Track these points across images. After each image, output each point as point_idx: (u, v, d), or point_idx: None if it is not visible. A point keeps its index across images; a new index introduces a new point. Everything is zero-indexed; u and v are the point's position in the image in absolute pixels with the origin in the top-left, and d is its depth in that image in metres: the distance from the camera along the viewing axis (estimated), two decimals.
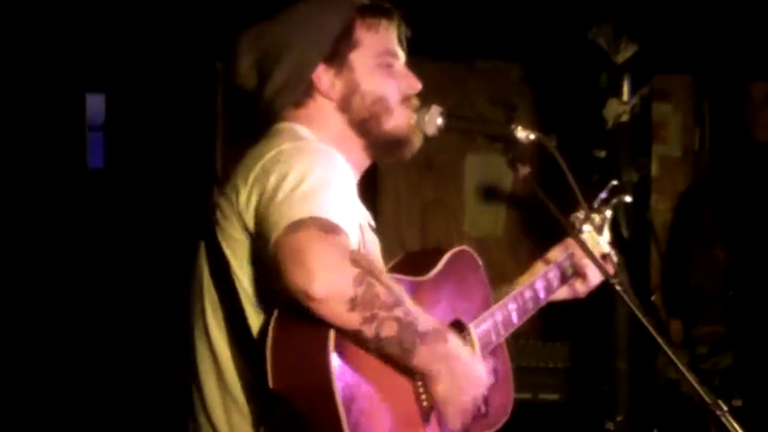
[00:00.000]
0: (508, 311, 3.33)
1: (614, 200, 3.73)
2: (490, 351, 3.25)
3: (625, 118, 5.44)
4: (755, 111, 5.94)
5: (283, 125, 3.10)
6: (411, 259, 3.24)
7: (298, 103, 3.10)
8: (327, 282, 2.60)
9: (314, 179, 2.77)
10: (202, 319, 3.01)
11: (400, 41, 3.20)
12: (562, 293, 3.61)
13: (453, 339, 2.87)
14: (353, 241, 2.78)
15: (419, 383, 2.94)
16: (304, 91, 3.10)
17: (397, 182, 6.11)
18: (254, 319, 2.90)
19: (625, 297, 3.16)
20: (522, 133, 3.19)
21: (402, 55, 3.20)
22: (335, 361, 2.72)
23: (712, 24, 6.08)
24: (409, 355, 2.75)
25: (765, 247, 5.81)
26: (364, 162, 3.19)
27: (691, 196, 6.20)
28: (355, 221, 2.92)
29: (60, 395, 6.19)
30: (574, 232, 3.39)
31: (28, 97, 6.27)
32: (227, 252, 2.93)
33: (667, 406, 5.58)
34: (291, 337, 2.76)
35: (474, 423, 3.16)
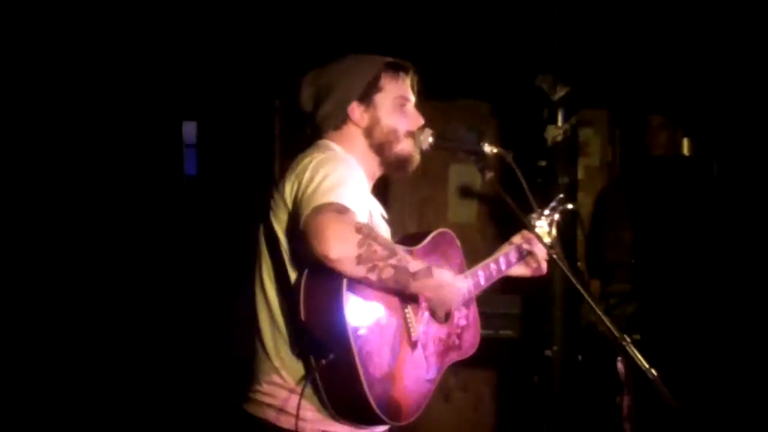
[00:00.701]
0: (478, 277, 3.35)
1: (561, 207, 3.72)
2: (464, 303, 3.26)
3: (559, 138, 5.43)
4: (651, 135, 5.96)
5: (323, 141, 3.18)
6: (407, 237, 3.28)
7: (337, 127, 3.17)
8: (339, 247, 2.71)
9: (334, 178, 2.86)
10: (260, 276, 3.08)
11: (413, 89, 3.26)
12: (520, 269, 3.59)
13: (437, 271, 2.97)
14: (361, 218, 2.86)
15: (409, 320, 3.03)
16: (342, 119, 3.16)
17: (401, 185, 6.13)
18: (293, 274, 2.95)
19: (560, 264, 3.19)
20: (488, 149, 3.24)
21: (413, 99, 3.26)
22: (346, 303, 2.80)
23: (622, 74, 6.08)
24: (405, 289, 2.87)
25: (657, 229, 5.82)
26: (377, 173, 3.24)
27: (606, 194, 6.20)
28: (365, 208, 2.98)
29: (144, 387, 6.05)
30: (526, 219, 3.39)
31: (141, 124, 6.27)
32: (276, 227, 3.00)
33: (588, 340, 5.58)
34: (316, 286, 2.85)
35: (450, 352, 3.20)
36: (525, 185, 3.24)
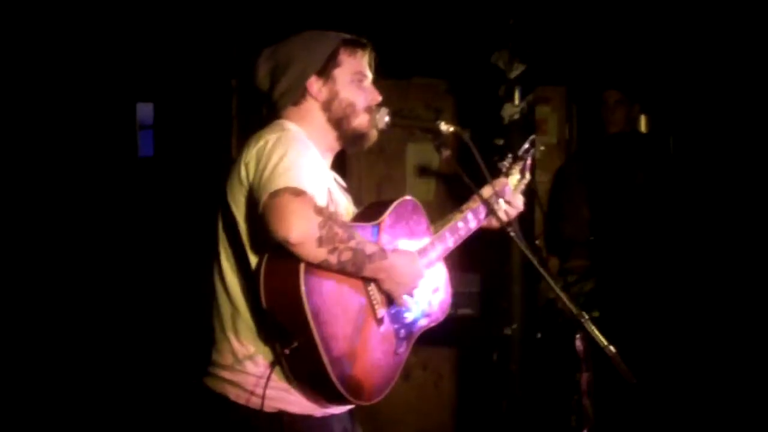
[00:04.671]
0: (445, 239, 3.34)
1: (533, 150, 3.74)
2: (432, 267, 3.27)
3: (516, 116, 5.42)
4: (608, 112, 5.97)
5: (278, 121, 3.14)
6: (369, 207, 3.26)
7: (296, 102, 3.15)
8: (300, 229, 2.69)
9: (287, 161, 2.83)
10: (217, 260, 3.06)
11: (370, 65, 3.24)
12: (489, 222, 3.54)
13: (391, 255, 2.95)
14: (319, 199, 2.85)
15: (372, 296, 3.02)
16: (301, 94, 3.14)
17: (359, 164, 6.12)
18: (253, 258, 2.93)
19: (518, 241, 3.19)
20: (445, 127, 3.24)
21: (370, 75, 3.24)
22: (305, 287, 2.77)
23: (578, 51, 6.09)
24: (361, 271, 2.85)
25: (615, 206, 5.83)
26: (336, 147, 3.21)
27: (564, 171, 6.20)
28: (323, 186, 2.97)
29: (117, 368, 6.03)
30: (482, 196, 3.38)
31: (94, 106, 6.24)
32: (233, 209, 2.97)
33: (547, 317, 5.59)
34: (275, 272, 2.83)
35: (420, 319, 3.20)
36: (482, 163, 3.23)
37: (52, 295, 5.94)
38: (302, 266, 2.78)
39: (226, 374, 3.04)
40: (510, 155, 3.69)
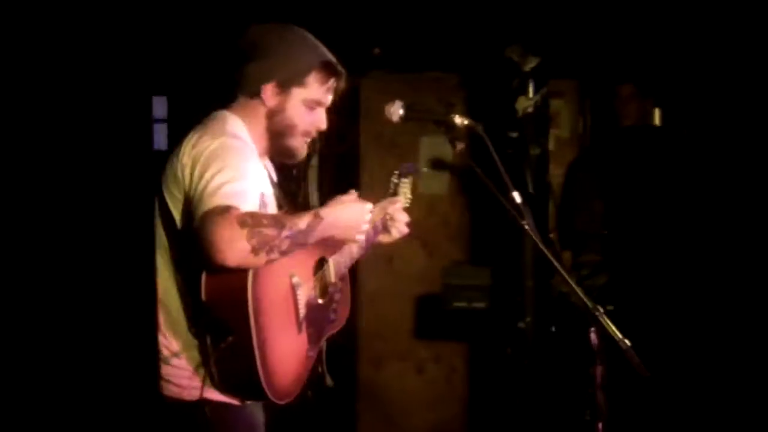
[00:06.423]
0: (351, 249, 3.39)
1: (414, 170, 3.77)
2: (340, 277, 3.35)
3: (530, 109, 5.43)
4: (621, 105, 5.94)
5: (222, 115, 3.19)
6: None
7: (250, 95, 3.16)
8: (233, 252, 2.71)
9: (222, 176, 2.86)
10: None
11: (337, 91, 3.23)
12: (384, 239, 3.63)
13: (324, 212, 2.99)
14: (247, 206, 2.83)
15: (299, 300, 3.07)
16: (255, 91, 3.14)
17: (372, 159, 6.09)
18: (189, 251, 2.92)
19: (532, 234, 3.18)
20: (459, 120, 3.24)
21: (327, 103, 3.23)
22: (251, 284, 2.82)
23: (592, 44, 6.07)
24: (308, 243, 2.92)
25: (628, 199, 5.82)
26: (267, 154, 3.25)
27: (577, 164, 6.19)
28: (257, 192, 2.97)
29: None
30: (493, 188, 3.35)
31: (111, 99, 6.22)
32: (169, 202, 3.01)
33: (560, 310, 5.58)
34: (219, 268, 2.81)
35: (327, 326, 3.29)
36: (496, 157, 3.22)
37: (63, 288, 5.94)
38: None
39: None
40: (396, 173, 3.69)
